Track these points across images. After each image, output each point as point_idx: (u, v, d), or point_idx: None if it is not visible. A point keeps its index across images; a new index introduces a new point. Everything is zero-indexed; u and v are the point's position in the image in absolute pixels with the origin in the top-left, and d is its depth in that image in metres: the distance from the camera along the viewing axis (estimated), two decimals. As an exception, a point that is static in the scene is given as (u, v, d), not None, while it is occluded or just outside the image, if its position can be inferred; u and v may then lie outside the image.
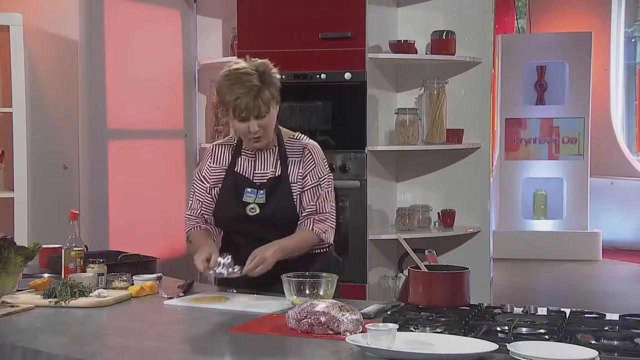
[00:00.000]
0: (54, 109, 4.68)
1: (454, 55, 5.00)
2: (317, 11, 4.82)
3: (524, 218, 9.54)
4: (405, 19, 5.17)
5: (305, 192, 3.09)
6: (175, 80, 5.32)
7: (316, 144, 3.19)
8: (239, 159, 3.14)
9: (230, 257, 2.90)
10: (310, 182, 3.10)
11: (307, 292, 2.68)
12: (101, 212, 4.81)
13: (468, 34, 5.06)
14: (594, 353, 2.03)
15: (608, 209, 9.76)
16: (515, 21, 10.83)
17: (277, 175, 3.09)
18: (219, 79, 3.04)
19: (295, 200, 3.08)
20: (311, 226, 3.08)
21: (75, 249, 3.10)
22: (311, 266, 3.00)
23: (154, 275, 3.11)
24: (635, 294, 7.69)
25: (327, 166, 3.17)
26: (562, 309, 2.57)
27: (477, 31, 5.09)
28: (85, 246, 3.23)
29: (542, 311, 2.57)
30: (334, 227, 3.15)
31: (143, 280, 3.03)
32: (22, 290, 2.92)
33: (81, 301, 2.80)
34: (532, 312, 2.55)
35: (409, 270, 2.69)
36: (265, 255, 2.91)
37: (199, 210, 3.18)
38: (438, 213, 5.08)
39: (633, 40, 11.20)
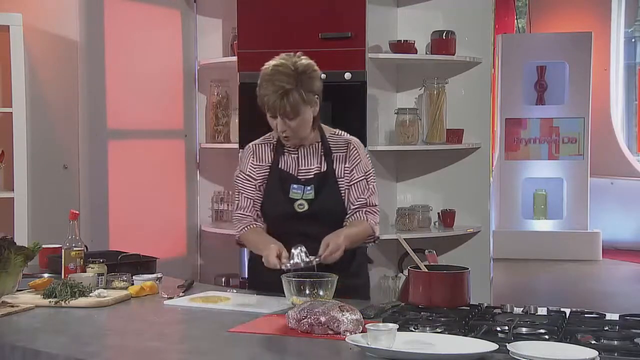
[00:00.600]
0: (54, 109, 4.68)
1: (454, 55, 5.00)
2: (317, 11, 4.82)
3: (524, 218, 9.54)
4: (405, 19, 5.17)
5: (353, 186, 3.12)
6: (175, 80, 5.32)
7: (358, 139, 3.22)
8: (282, 156, 3.13)
9: (303, 247, 2.86)
10: (357, 176, 3.12)
11: (307, 292, 2.68)
12: (101, 212, 4.81)
13: (468, 34, 5.06)
14: (594, 353, 2.03)
15: (608, 209, 9.76)
16: (515, 21, 10.83)
17: (322, 170, 3.10)
18: (261, 72, 3.05)
19: (343, 195, 3.10)
20: (365, 217, 3.11)
21: (75, 249, 3.10)
22: (354, 261, 3.09)
23: (154, 275, 3.11)
24: (635, 294, 7.69)
25: (370, 161, 3.20)
26: (562, 309, 2.57)
27: (477, 31, 5.09)
28: (85, 246, 3.23)
29: (542, 311, 2.57)
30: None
31: (143, 280, 3.03)
32: (22, 290, 2.92)
33: (81, 301, 2.80)
34: (532, 312, 2.55)
35: (409, 270, 2.69)
36: (338, 242, 2.92)
37: (249, 208, 3.15)
38: (438, 213, 5.08)
39: (633, 40, 11.20)
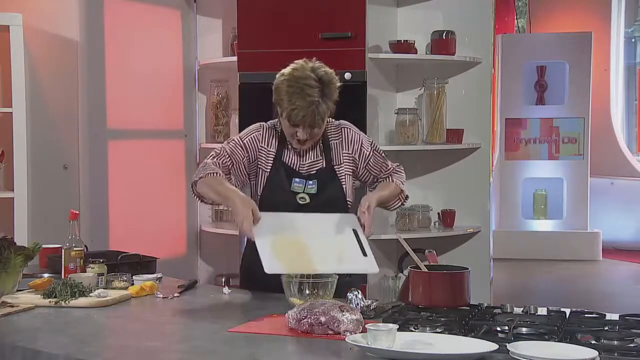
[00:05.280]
0: (54, 109, 4.68)
1: (454, 55, 5.00)
2: (317, 11, 4.82)
3: (524, 218, 9.55)
4: (405, 19, 5.17)
5: (369, 162, 3.18)
6: (175, 80, 5.32)
7: (346, 121, 3.25)
8: (285, 150, 3.12)
9: (359, 292, 2.70)
10: (367, 152, 3.18)
11: (307, 292, 2.68)
12: (101, 212, 4.81)
13: (468, 34, 5.06)
14: (594, 353, 2.03)
15: (608, 209, 9.76)
16: (515, 21, 10.84)
17: (324, 165, 3.12)
18: (278, 79, 3.02)
19: (344, 184, 3.13)
20: (391, 179, 3.19)
21: (75, 249, 3.10)
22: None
23: (154, 275, 3.12)
24: (635, 294, 7.69)
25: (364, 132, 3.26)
26: (562, 309, 2.57)
27: (477, 31, 5.09)
28: (85, 246, 3.23)
29: (542, 311, 2.57)
30: None
31: (143, 280, 3.03)
32: (22, 290, 2.92)
33: (81, 301, 2.80)
34: (532, 312, 2.55)
35: (409, 270, 2.69)
36: (370, 201, 2.97)
37: (225, 166, 3.03)
38: (438, 213, 5.08)
39: (633, 40, 11.20)
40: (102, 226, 4.80)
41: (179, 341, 2.50)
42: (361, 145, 3.18)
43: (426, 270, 2.69)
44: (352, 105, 4.78)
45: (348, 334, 2.29)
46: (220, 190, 2.91)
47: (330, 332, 2.35)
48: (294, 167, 3.11)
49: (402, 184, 3.21)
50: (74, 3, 4.69)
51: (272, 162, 3.11)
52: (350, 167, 3.17)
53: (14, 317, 2.65)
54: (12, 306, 2.73)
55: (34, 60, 4.55)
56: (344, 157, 3.16)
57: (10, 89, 4.36)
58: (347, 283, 2.86)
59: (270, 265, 2.71)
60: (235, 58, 4.97)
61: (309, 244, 2.84)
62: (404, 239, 2.90)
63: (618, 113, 10.63)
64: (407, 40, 4.96)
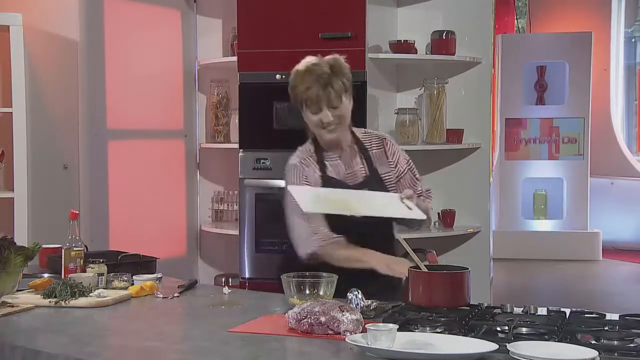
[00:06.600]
0: (54, 109, 4.68)
1: (454, 55, 5.00)
2: (317, 11, 4.82)
3: (524, 218, 9.54)
4: (405, 19, 5.17)
5: (402, 179, 3.18)
6: (175, 80, 5.32)
7: (387, 134, 3.30)
8: (326, 167, 3.13)
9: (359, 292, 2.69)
10: (402, 169, 3.19)
11: (307, 292, 2.68)
12: (101, 212, 4.81)
13: (468, 34, 5.06)
14: (594, 353, 2.03)
15: (608, 209, 9.76)
16: (515, 21, 10.84)
17: (367, 173, 3.13)
18: (291, 75, 3.07)
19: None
20: (427, 203, 3.19)
21: (75, 249, 3.10)
22: (394, 247, 3.13)
23: (154, 275, 3.11)
24: (635, 294, 7.69)
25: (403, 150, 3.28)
26: (562, 309, 2.57)
27: (477, 31, 5.09)
28: (85, 246, 3.23)
29: (542, 311, 2.57)
30: None
31: (143, 280, 3.02)
32: (22, 290, 2.92)
33: (81, 301, 2.80)
34: (532, 312, 2.55)
35: (409, 270, 2.69)
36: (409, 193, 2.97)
37: (319, 219, 3.01)
38: (438, 213, 5.08)
39: (633, 40, 11.19)
40: (102, 226, 4.80)
41: (179, 341, 2.50)
42: (398, 161, 3.20)
43: (426, 270, 2.69)
44: (352, 105, 4.79)
45: (348, 334, 2.29)
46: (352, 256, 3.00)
47: (330, 332, 2.35)
48: (340, 178, 3.11)
49: (430, 209, 3.21)
50: (74, 3, 4.69)
51: (320, 179, 3.11)
52: (395, 176, 3.18)
53: (14, 317, 2.65)
54: (12, 306, 2.73)
55: (34, 60, 4.55)
56: (388, 166, 3.18)
57: (10, 89, 4.37)
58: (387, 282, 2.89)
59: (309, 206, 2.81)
60: (235, 58, 4.97)
61: (355, 200, 2.93)
62: (404, 239, 2.90)
63: (618, 113, 10.63)
64: (407, 40, 4.96)
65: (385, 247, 3.07)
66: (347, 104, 3.07)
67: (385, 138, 3.24)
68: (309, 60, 3.07)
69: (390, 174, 3.18)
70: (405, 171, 3.20)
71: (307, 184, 3.09)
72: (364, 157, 3.16)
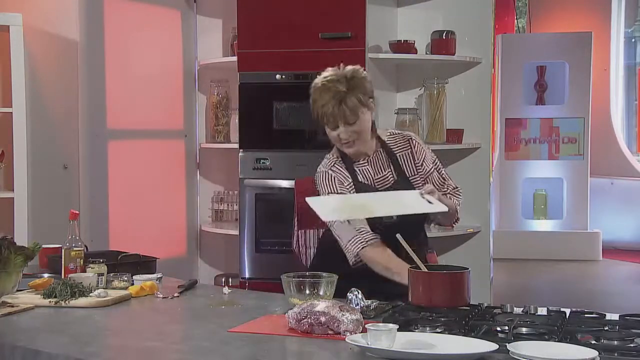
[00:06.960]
0: (54, 109, 4.68)
1: (453, 55, 5.00)
2: (317, 11, 4.82)
3: (524, 218, 9.54)
4: (405, 19, 5.17)
5: (428, 179, 3.17)
6: (175, 80, 5.32)
7: (412, 133, 3.30)
8: (355, 172, 3.13)
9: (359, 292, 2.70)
10: (428, 168, 3.19)
11: (307, 292, 2.68)
12: (101, 212, 4.81)
13: (468, 34, 5.06)
14: (594, 353, 2.03)
15: (608, 209, 9.76)
16: (515, 21, 10.83)
17: (395, 177, 3.13)
18: (311, 89, 3.07)
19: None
20: (454, 200, 3.20)
21: (75, 249, 3.10)
22: (425, 246, 3.17)
23: (154, 275, 3.11)
24: (635, 294, 7.69)
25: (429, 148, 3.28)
26: (562, 309, 2.57)
27: (477, 31, 5.09)
28: (85, 246, 3.23)
29: (542, 311, 2.57)
30: None
31: (143, 280, 3.02)
32: (22, 290, 2.92)
33: (81, 301, 2.80)
34: (532, 312, 2.55)
35: (409, 270, 2.69)
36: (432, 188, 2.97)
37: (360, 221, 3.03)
38: (438, 213, 5.07)
39: (633, 40, 11.19)
40: (102, 226, 4.80)
41: (179, 341, 2.50)
42: (424, 160, 3.19)
43: (426, 270, 2.69)
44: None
45: (348, 334, 2.29)
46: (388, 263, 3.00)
47: (330, 332, 2.35)
48: (370, 183, 3.12)
49: (459, 205, 3.22)
50: (74, 3, 4.69)
51: (352, 185, 3.11)
52: (423, 176, 3.18)
53: (14, 317, 2.65)
54: (12, 306, 2.73)
55: (34, 60, 4.55)
56: (415, 167, 3.18)
57: (10, 89, 4.37)
58: None
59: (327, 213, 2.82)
60: (235, 58, 4.97)
61: (374, 201, 2.94)
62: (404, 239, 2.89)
63: (618, 113, 10.62)
64: (407, 40, 4.96)
65: (415, 245, 2.97)
66: (365, 119, 3.03)
67: (411, 138, 3.23)
68: (327, 74, 3.05)
69: (417, 175, 3.18)
70: (431, 170, 3.20)
71: (341, 191, 3.09)
72: (392, 160, 3.16)
